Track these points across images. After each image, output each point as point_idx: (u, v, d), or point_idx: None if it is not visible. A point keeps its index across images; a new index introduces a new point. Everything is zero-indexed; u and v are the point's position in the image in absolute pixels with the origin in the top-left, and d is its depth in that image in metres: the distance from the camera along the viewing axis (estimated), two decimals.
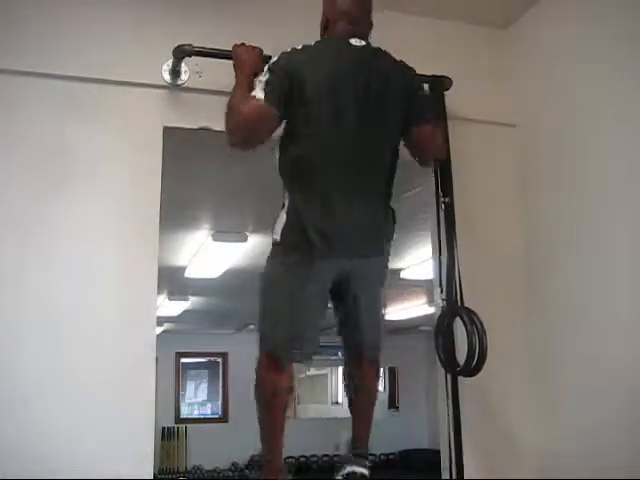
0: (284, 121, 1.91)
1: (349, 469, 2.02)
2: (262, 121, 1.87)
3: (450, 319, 2.27)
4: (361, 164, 1.91)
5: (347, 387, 2.13)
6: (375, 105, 1.91)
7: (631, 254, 2.15)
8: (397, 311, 8.17)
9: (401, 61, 2.04)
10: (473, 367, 2.14)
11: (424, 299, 7.20)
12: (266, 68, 1.91)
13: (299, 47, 1.92)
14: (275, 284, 1.95)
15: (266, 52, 2.18)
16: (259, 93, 1.85)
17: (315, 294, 1.92)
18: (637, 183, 2.14)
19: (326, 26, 2.03)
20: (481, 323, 2.14)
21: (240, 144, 1.92)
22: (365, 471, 2.02)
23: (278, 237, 1.92)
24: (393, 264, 5.74)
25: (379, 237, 1.98)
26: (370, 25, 2.04)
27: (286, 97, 1.85)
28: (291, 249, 1.91)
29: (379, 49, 2.00)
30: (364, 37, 1.98)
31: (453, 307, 2.27)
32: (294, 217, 1.89)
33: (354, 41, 1.94)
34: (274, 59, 1.94)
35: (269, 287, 1.97)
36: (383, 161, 1.96)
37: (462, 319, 2.19)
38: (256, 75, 1.95)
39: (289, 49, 1.93)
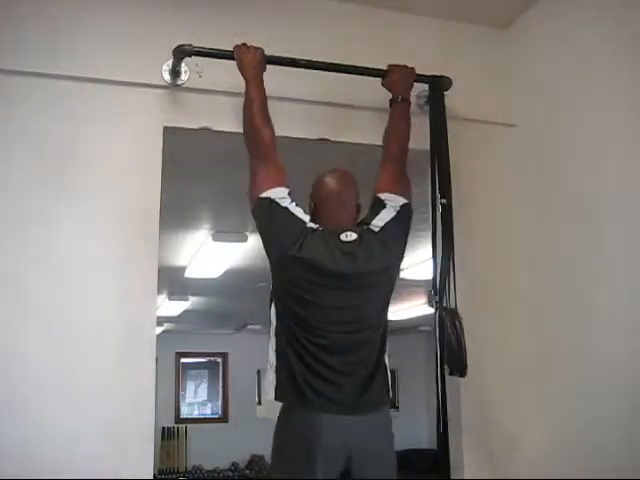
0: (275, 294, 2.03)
1: None
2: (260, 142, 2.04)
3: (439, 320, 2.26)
4: (354, 346, 1.99)
5: None
6: (363, 288, 2.01)
7: (631, 254, 2.15)
8: (397, 311, 8.17)
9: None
10: (452, 368, 2.14)
11: (424, 299, 7.20)
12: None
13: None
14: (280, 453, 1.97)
15: (266, 52, 2.19)
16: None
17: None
18: (638, 182, 2.14)
19: (313, 213, 2.08)
20: (461, 326, 2.14)
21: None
22: None
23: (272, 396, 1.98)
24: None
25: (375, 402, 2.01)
26: (357, 209, 2.12)
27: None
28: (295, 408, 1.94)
29: (367, 233, 2.05)
30: (352, 228, 2.04)
31: (440, 308, 2.26)
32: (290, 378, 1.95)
33: (344, 236, 2.00)
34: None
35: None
36: (376, 340, 2.03)
37: (443, 320, 2.18)
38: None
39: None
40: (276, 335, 2.02)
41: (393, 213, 2.11)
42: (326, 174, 2.13)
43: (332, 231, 2.01)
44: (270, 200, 1.99)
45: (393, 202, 2.12)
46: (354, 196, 2.12)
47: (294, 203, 2.02)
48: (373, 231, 2.07)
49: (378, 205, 2.13)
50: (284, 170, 2.06)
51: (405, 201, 2.15)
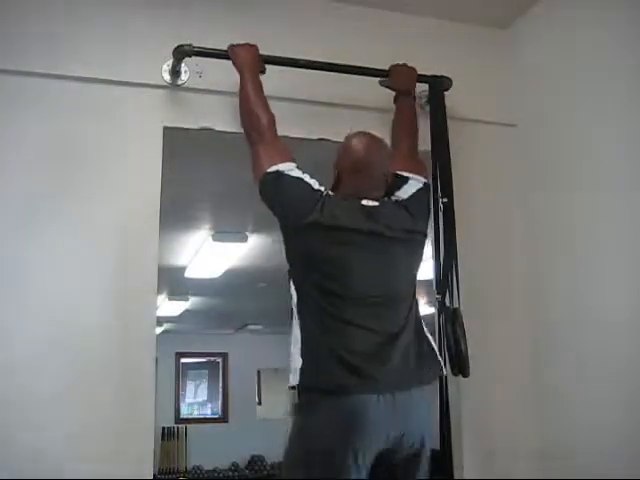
0: (295, 268, 1.87)
1: None
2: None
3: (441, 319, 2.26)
4: (385, 306, 1.82)
5: None
6: (392, 252, 1.87)
7: (631, 254, 2.15)
8: None
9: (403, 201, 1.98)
10: (454, 368, 2.14)
11: (424, 299, 7.20)
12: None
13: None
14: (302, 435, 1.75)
15: (266, 52, 2.19)
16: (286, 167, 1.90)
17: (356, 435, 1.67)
18: (638, 182, 2.14)
19: (338, 181, 1.96)
20: (462, 326, 2.13)
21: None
22: None
23: (296, 383, 1.75)
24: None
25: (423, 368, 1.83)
26: (384, 176, 1.96)
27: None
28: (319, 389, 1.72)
29: (391, 202, 1.96)
30: (376, 197, 1.91)
31: (442, 307, 2.26)
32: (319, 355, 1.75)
33: (365, 202, 1.88)
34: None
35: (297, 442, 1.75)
36: (405, 291, 1.89)
37: (444, 320, 2.18)
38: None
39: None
40: (299, 314, 1.82)
41: (419, 185, 2.03)
42: (353, 137, 1.98)
43: (352, 198, 1.89)
44: (279, 172, 1.88)
45: (416, 179, 2.05)
46: (383, 164, 1.96)
47: (307, 174, 1.91)
48: (397, 200, 1.97)
49: (400, 180, 2.01)
50: (288, 147, 1.96)
51: (425, 180, 2.10)
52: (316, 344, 1.76)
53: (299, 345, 1.78)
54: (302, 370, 1.74)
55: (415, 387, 1.78)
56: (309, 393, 1.75)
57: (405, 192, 1.99)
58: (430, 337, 1.90)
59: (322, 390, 1.72)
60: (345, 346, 1.73)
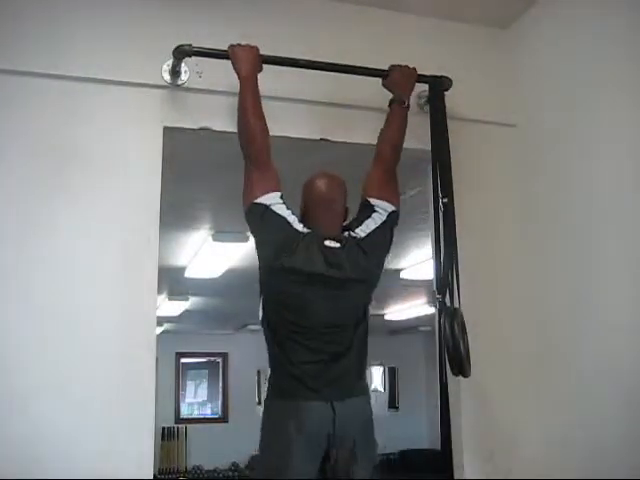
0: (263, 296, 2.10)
1: None
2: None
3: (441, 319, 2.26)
4: (336, 325, 2.06)
5: None
6: (343, 285, 2.05)
7: (633, 253, 2.15)
8: (397, 311, 8.17)
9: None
10: (454, 368, 2.14)
11: (424, 299, 7.21)
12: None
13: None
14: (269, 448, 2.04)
15: (266, 52, 2.19)
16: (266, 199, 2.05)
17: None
18: (638, 183, 2.14)
19: (304, 216, 2.12)
20: (463, 325, 2.14)
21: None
22: None
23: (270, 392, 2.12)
24: (393, 264, 5.78)
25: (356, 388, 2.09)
26: (345, 213, 2.17)
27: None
28: (281, 396, 2.05)
29: (350, 243, 2.09)
30: (337, 234, 2.10)
31: (442, 307, 2.26)
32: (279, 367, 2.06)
33: (328, 243, 2.05)
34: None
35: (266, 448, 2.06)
36: (354, 322, 2.10)
37: (445, 320, 2.18)
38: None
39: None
40: (263, 328, 2.10)
41: (379, 222, 2.16)
42: (315, 177, 2.16)
43: (318, 237, 2.05)
44: (265, 207, 2.03)
45: (382, 209, 2.17)
46: (342, 200, 2.16)
47: (289, 210, 2.07)
48: (357, 239, 2.12)
49: (367, 210, 2.18)
50: (277, 174, 2.09)
51: (393, 208, 2.19)
52: (275, 359, 2.07)
53: (269, 357, 2.10)
54: (268, 378, 2.11)
55: (353, 397, 2.05)
56: (269, 398, 2.10)
57: (364, 230, 2.14)
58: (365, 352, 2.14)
59: (276, 396, 2.07)
60: (295, 363, 2.01)
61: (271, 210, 2.03)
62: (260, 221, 2.04)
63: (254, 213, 2.05)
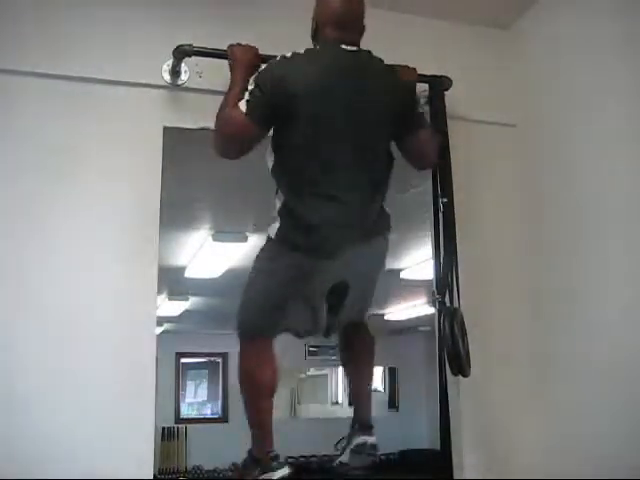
0: (273, 128, 1.92)
1: (358, 440, 2.07)
2: (240, 136, 1.91)
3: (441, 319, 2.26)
4: (354, 167, 1.92)
5: (342, 360, 2.24)
6: (368, 109, 1.92)
7: (632, 254, 2.15)
8: (397, 311, 8.17)
9: (393, 66, 2.05)
10: (454, 368, 2.14)
11: (424, 299, 7.20)
12: (252, 79, 1.91)
13: (288, 55, 1.91)
14: (261, 272, 2.01)
15: (266, 52, 2.19)
16: (242, 106, 1.87)
17: (306, 281, 1.95)
18: (637, 182, 2.14)
19: (316, 31, 2.02)
20: (463, 325, 2.13)
21: (220, 154, 1.96)
22: (374, 440, 2.06)
23: (272, 235, 1.97)
24: (393, 264, 5.77)
25: (374, 228, 1.99)
26: (362, 30, 2.01)
27: (271, 112, 1.87)
28: (285, 244, 1.94)
29: (371, 54, 1.99)
30: (356, 43, 1.97)
31: (442, 307, 2.26)
32: (289, 218, 1.92)
33: (345, 47, 1.93)
34: (261, 69, 1.94)
35: (255, 275, 2.02)
36: (377, 162, 1.97)
37: (445, 320, 2.18)
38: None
39: (278, 57, 1.92)
40: (274, 175, 1.96)
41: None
42: None
43: (332, 44, 1.93)
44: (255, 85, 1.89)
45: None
46: (362, 16, 2.00)
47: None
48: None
49: None
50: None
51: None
52: (287, 209, 1.92)
53: (278, 205, 1.94)
54: (277, 228, 1.94)
55: (361, 243, 1.95)
56: (269, 242, 1.98)
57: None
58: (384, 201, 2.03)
59: (281, 243, 1.94)
60: (307, 214, 1.89)
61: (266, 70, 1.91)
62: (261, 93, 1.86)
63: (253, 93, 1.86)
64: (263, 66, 1.98)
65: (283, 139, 1.93)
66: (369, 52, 2.00)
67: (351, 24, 1.98)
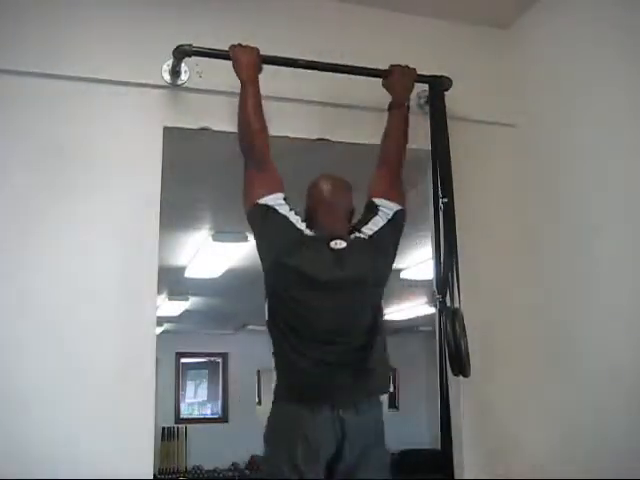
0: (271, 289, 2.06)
1: None
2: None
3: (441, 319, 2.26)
4: (343, 331, 2.02)
5: None
6: (351, 289, 2.03)
7: (631, 252, 2.14)
8: (397, 311, 8.16)
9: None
10: (454, 369, 2.13)
11: (424, 299, 7.20)
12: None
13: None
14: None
15: (266, 52, 2.19)
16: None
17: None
18: (637, 182, 2.14)
19: (310, 218, 2.11)
20: (463, 325, 2.13)
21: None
22: None
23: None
24: (393, 264, 5.75)
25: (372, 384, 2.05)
26: (351, 214, 2.16)
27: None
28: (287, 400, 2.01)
29: (356, 243, 2.08)
30: (343, 234, 2.08)
31: (442, 307, 2.26)
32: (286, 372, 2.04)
33: (334, 244, 2.03)
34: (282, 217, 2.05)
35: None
36: (365, 326, 2.06)
37: (445, 320, 2.18)
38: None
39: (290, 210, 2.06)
40: (269, 331, 2.07)
41: (385, 220, 2.14)
42: (320, 179, 2.16)
43: (323, 238, 2.04)
44: (267, 207, 2.03)
45: (387, 208, 2.16)
46: (347, 202, 2.16)
47: (293, 211, 2.05)
48: (363, 238, 2.10)
49: (371, 210, 2.16)
50: (279, 175, 2.08)
51: (399, 207, 2.18)
52: (281, 361, 2.04)
53: (274, 359, 2.06)
54: (275, 387, 2.05)
55: (361, 401, 2.00)
56: (274, 401, 2.05)
57: (370, 229, 2.12)
58: (386, 358, 2.13)
59: (281, 399, 2.02)
60: (300, 368, 1.99)
61: (274, 210, 2.03)
62: (263, 221, 2.03)
63: (257, 213, 2.04)
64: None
65: (276, 300, 2.06)
66: (356, 239, 2.09)
67: (338, 217, 2.12)
